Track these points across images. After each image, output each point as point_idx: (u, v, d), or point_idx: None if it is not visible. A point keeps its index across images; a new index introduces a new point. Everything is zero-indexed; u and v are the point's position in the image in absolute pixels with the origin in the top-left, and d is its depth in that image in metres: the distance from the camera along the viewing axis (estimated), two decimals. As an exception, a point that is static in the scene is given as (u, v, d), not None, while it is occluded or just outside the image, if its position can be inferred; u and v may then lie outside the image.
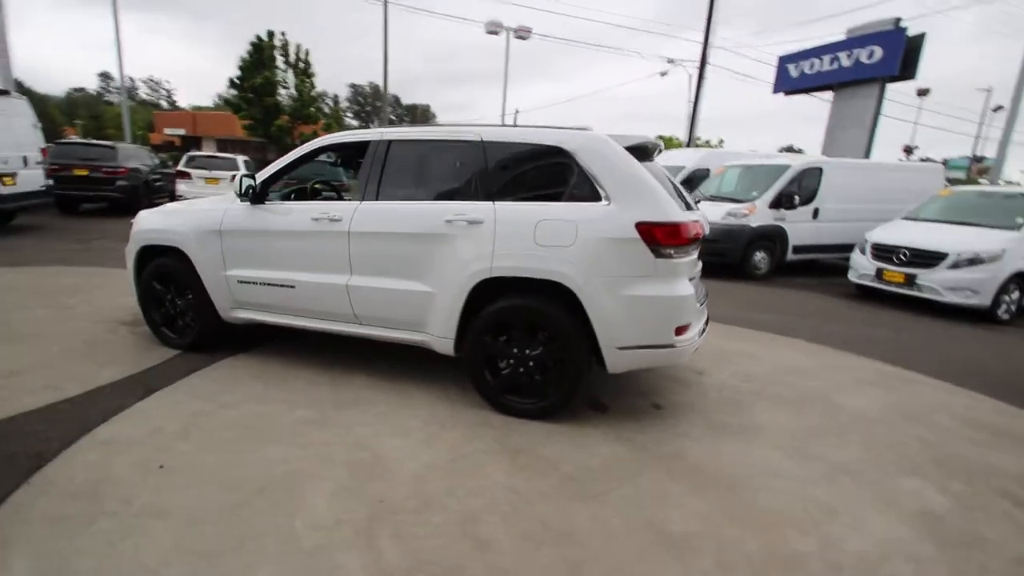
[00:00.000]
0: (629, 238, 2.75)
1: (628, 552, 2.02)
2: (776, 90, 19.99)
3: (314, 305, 3.46)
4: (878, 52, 16.94)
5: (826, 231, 9.18)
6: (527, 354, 2.99)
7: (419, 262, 3.13)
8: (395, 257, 3.19)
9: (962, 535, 2.25)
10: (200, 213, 3.74)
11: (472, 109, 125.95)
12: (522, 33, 19.08)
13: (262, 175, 3.57)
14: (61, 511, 2.07)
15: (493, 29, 18.64)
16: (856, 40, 17.54)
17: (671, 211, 2.80)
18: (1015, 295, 6.54)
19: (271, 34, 27.83)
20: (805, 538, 2.16)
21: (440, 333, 3.16)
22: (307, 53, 28.64)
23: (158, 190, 12.73)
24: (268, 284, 3.53)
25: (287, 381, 3.47)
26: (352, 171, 4.64)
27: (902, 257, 6.92)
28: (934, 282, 6.56)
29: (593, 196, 2.86)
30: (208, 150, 36.62)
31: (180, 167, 12.01)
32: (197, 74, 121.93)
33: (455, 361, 3.29)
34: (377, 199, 3.28)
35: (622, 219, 2.77)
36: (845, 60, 17.94)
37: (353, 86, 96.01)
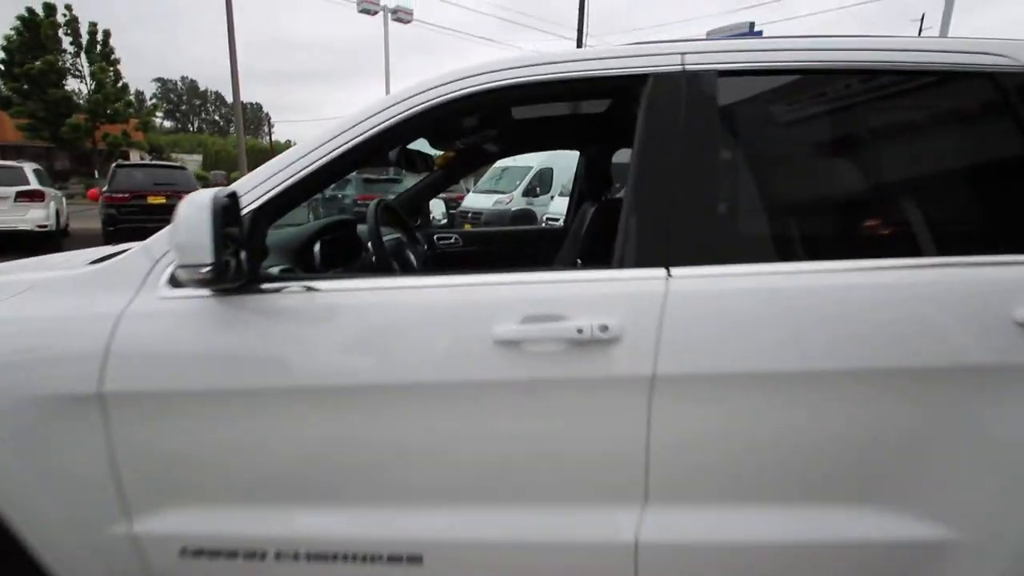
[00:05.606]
0: None
1: None
2: (653, 87, 20.49)
3: None
4: (741, 51, 18.13)
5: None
6: None
7: (904, 453, 1.06)
8: (828, 441, 1.07)
9: None
10: None
11: (311, 111, 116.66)
12: (402, 15, 16.46)
13: (250, 201, 1.12)
14: None
15: (368, 7, 15.73)
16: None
17: None
18: None
19: (50, 8, 21.22)
20: None
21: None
22: (106, 34, 22.48)
23: None
24: (314, 557, 1.12)
25: None
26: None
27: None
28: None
29: None
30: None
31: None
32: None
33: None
34: (711, 258, 1.09)
35: None
36: (713, 58, 18.91)
37: (161, 80, 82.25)
